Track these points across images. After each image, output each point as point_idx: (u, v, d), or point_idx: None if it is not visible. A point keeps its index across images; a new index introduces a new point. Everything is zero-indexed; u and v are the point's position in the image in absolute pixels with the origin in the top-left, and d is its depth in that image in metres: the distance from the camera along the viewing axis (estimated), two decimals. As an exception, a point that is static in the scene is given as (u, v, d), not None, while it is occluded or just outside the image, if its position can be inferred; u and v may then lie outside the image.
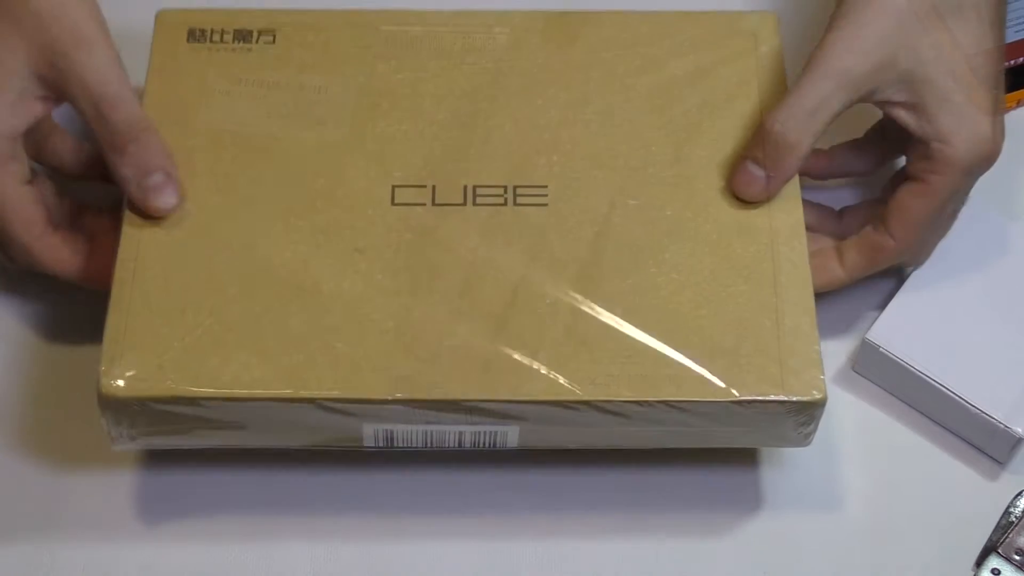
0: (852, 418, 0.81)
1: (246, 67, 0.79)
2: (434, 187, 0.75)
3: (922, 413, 0.81)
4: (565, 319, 0.72)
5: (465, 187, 0.75)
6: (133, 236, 0.74)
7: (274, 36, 0.79)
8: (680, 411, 0.71)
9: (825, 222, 0.81)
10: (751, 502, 0.78)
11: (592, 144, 0.77)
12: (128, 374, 0.70)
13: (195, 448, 0.74)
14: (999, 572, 0.76)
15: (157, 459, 0.78)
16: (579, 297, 0.73)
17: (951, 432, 0.80)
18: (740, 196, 0.76)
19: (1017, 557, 0.77)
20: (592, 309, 0.72)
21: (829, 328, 0.82)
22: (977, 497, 0.79)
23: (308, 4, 0.82)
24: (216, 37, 0.79)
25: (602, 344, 0.72)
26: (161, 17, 0.80)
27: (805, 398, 0.71)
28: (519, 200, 0.75)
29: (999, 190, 0.87)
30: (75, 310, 0.80)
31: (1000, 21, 0.77)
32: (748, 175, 0.76)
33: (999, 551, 0.77)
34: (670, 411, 0.71)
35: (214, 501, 0.78)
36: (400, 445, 0.73)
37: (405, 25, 0.80)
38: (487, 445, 0.73)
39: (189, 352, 0.71)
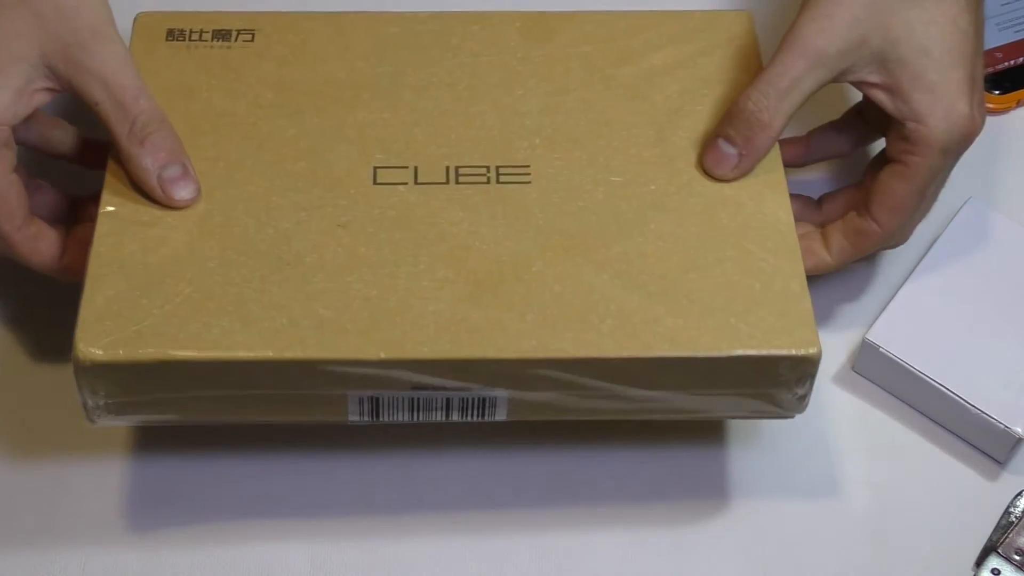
0: (852, 418, 0.81)
1: (225, 62, 0.79)
2: (416, 167, 0.76)
3: (922, 413, 0.81)
4: (552, 284, 0.72)
5: (447, 167, 0.76)
6: (111, 213, 0.73)
7: (253, 35, 0.80)
8: (672, 370, 0.71)
9: (806, 211, 0.81)
10: (750, 502, 0.78)
11: (574, 128, 0.78)
12: (105, 340, 0.69)
13: (175, 424, 0.73)
14: (999, 572, 0.76)
15: (149, 461, 0.78)
16: (566, 264, 0.73)
17: (951, 432, 0.80)
18: (711, 174, 0.76)
19: (1017, 557, 0.76)
20: (579, 275, 0.73)
21: (829, 328, 0.83)
22: (977, 497, 0.79)
23: (286, 8, 0.82)
24: (195, 36, 0.80)
25: (591, 306, 0.72)
26: (140, 19, 0.81)
27: (799, 352, 0.71)
28: (502, 179, 0.76)
29: (999, 190, 0.87)
30: (56, 319, 0.79)
31: (977, 1, 0.77)
32: (720, 153, 0.76)
33: (999, 551, 0.77)
34: (661, 370, 0.71)
35: (207, 502, 0.78)
36: (386, 417, 0.72)
37: (383, 25, 0.81)
38: (476, 414, 0.73)
39: (168, 319, 0.70)
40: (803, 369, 0.71)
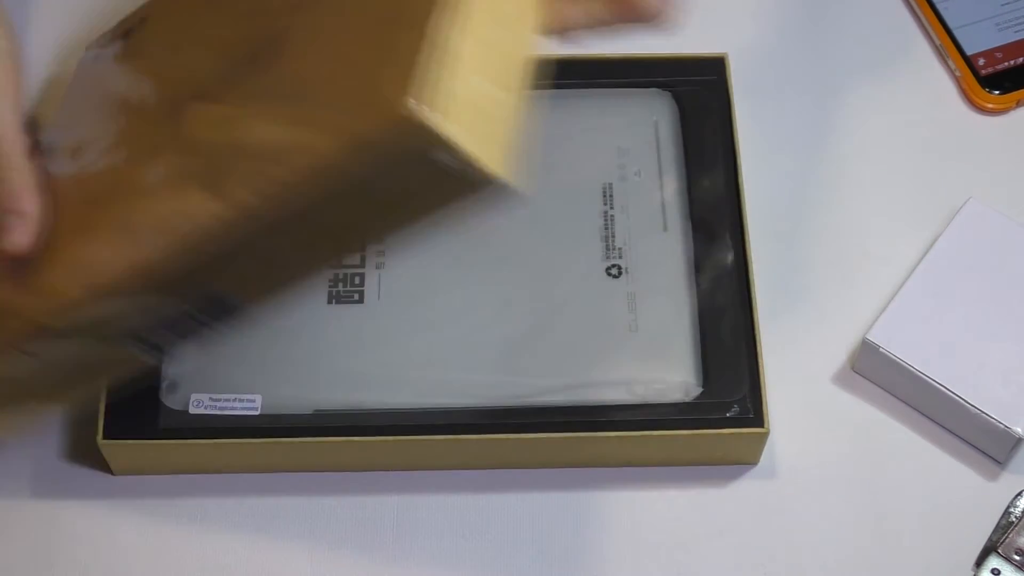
0: (852, 418, 0.81)
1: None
2: None
3: (922, 413, 0.81)
4: None
5: None
6: None
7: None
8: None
9: None
10: (748, 500, 0.78)
11: None
12: None
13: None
14: (999, 572, 0.76)
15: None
16: None
17: (951, 432, 0.80)
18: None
19: (1017, 557, 0.77)
20: None
21: (829, 328, 0.83)
22: (977, 497, 0.79)
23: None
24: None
25: None
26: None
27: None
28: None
29: (999, 190, 0.87)
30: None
31: None
32: None
33: (999, 551, 0.77)
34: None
35: (208, 506, 0.78)
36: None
37: None
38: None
39: None
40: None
